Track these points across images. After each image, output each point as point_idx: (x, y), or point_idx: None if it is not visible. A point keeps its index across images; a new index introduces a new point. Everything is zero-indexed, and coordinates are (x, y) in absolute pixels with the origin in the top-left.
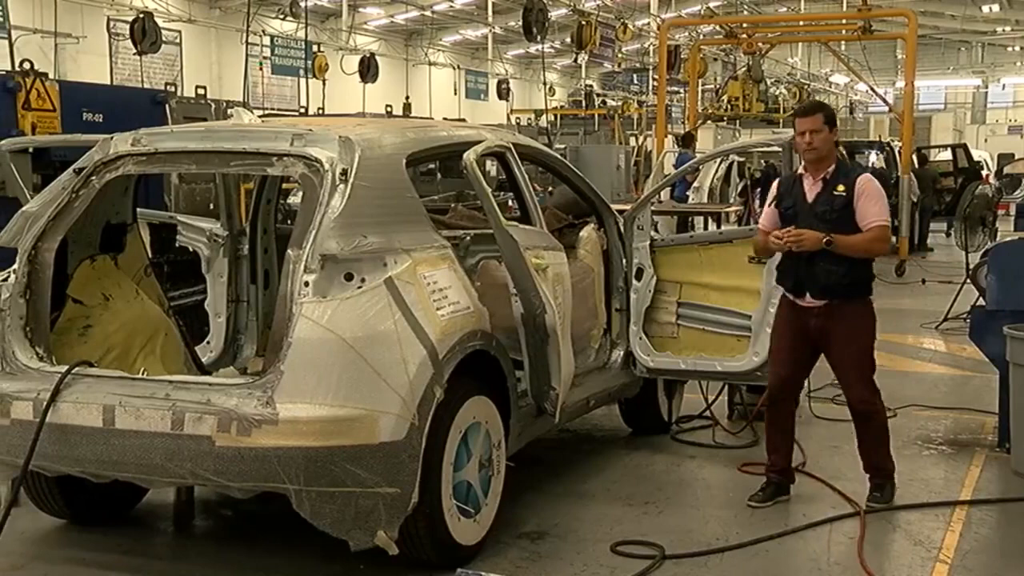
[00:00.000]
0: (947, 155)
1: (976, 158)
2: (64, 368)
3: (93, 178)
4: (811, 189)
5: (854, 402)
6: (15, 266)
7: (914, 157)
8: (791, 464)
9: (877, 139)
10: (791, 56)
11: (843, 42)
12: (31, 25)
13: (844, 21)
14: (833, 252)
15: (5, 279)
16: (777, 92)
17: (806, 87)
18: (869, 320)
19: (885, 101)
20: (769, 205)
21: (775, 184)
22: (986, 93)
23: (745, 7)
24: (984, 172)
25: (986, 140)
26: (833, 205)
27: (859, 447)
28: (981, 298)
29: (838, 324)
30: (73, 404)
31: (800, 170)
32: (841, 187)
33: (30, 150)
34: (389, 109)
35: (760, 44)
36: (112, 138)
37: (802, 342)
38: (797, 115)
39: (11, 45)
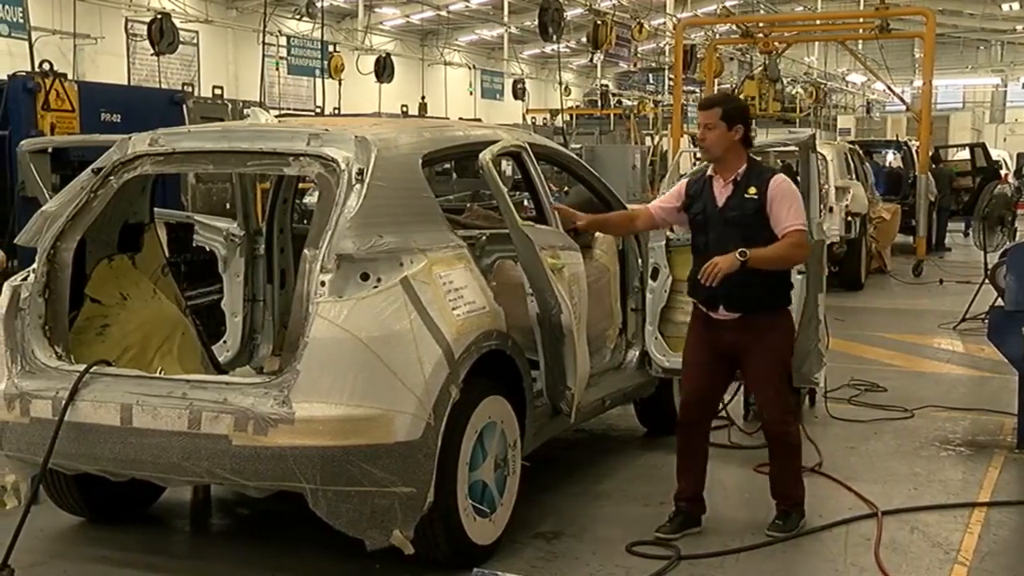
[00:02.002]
0: (965, 154)
1: (995, 157)
2: (82, 367)
3: (111, 178)
4: (721, 192)
5: (769, 423)
6: (35, 265)
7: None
8: (703, 491)
9: (894, 138)
10: (808, 55)
11: (860, 41)
12: (51, 26)
13: (861, 20)
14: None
15: (25, 278)
16: (794, 91)
17: (823, 86)
18: (787, 333)
19: (903, 100)
20: (678, 210)
21: (682, 185)
22: (1005, 92)
23: (761, 6)
24: (1003, 171)
25: (1005, 139)
26: (744, 210)
27: (770, 470)
28: (1000, 298)
29: (754, 337)
30: (91, 403)
31: (710, 171)
32: (752, 189)
33: (49, 150)
34: (405, 109)
35: (777, 43)
36: (130, 138)
37: (718, 358)
38: (698, 107)
39: (31, 46)
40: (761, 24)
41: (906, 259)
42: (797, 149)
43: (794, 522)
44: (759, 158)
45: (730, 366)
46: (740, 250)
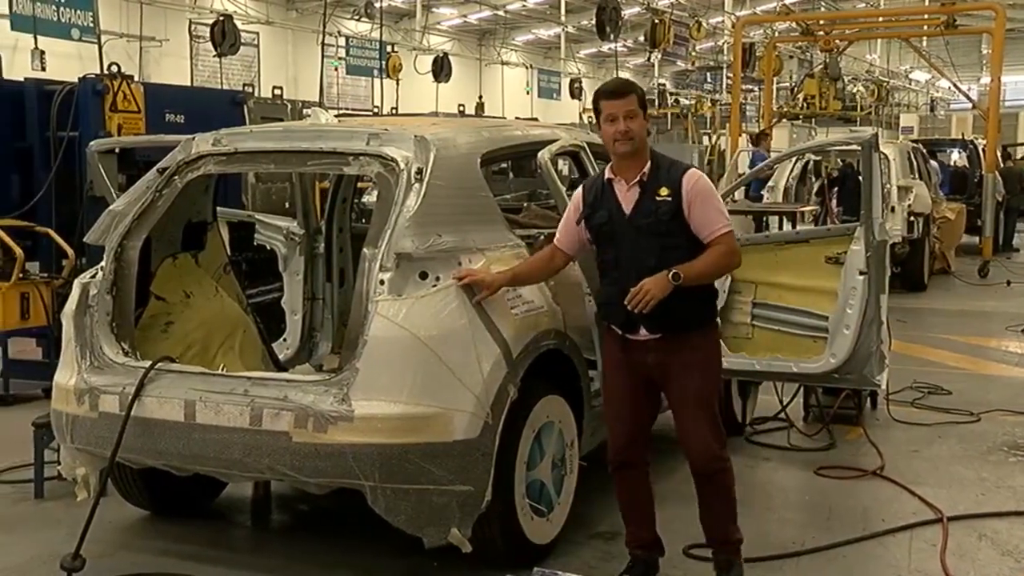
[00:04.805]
0: None
1: None
2: (148, 363)
3: (176, 178)
4: (626, 196)
5: (698, 457)
6: (103, 263)
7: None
8: (657, 533)
9: (960, 137)
10: (870, 53)
11: (924, 38)
12: (118, 30)
13: (926, 16)
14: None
15: (93, 276)
16: (855, 90)
17: (885, 84)
18: (716, 350)
19: (968, 98)
20: (577, 222)
21: (578, 195)
22: None
23: (822, 3)
24: None
25: None
26: (659, 214)
27: (701, 515)
28: None
29: (679, 359)
30: (156, 399)
31: (608, 174)
32: (665, 190)
33: (117, 151)
34: (462, 108)
35: (838, 41)
36: (194, 138)
37: (642, 385)
38: (603, 96)
39: (100, 49)
40: (822, 21)
41: (972, 260)
42: (859, 148)
43: (737, 572)
44: (819, 158)
45: (655, 393)
46: (673, 272)
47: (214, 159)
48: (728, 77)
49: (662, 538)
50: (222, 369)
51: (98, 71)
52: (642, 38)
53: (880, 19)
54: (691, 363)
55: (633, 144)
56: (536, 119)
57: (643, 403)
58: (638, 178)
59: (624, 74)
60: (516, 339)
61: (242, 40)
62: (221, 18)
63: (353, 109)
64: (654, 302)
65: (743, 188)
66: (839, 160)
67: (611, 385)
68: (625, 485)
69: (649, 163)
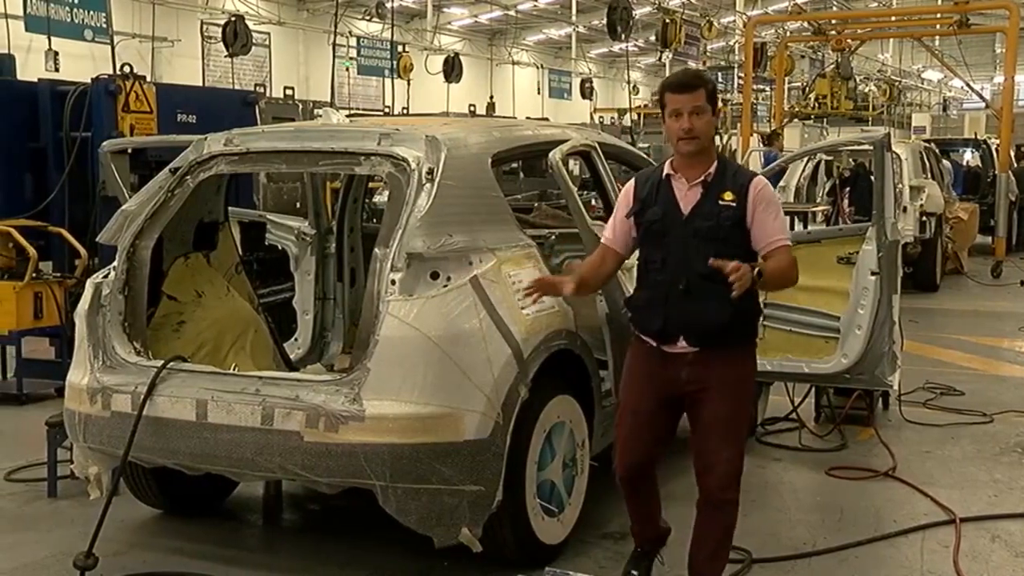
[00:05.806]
0: None
1: None
2: (160, 363)
3: (188, 177)
4: (686, 197)
5: (714, 488)
6: (115, 263)
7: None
8: (661, 526)
9: (972, 136)
10: (882, 52)
11: (937, 37)
12: (130, 30)
13: (939, 15)
14: (721, 283)
15: (106, 276)
16: (867, 89)
17: (897, 84)
18: (753, 371)
19: (982, 97)
20: (627, 216)
21: (630, 188)
22: None
23: (834, 3)
24: None
25: None
26: (720, 219)
27: (692, 548)
28: None
29: (714, 377)
30: (168, 398)
31: (667, 169)
32: (729, 195)
33: (129, 151)
34: (472, 108)
35: (850, 40)
36: (206, 138)
37: (669, 403)
38: (670, 89)
39: (113, 50)
40: (834, 21)
41: (984, 260)
42: (871, 148)
43: None
44: (830, 158)
45: (677, 413)
46: (757, 268)
47: (226, 159)
48: (739, 77)
49: (671, 525)
50: (234, 369)
51: (111, 71)
52: (653, 38)
53: (892, 18)
54: (727, 382)
55: (698, 144)
56: (547, 119)
57: (665, 423)
58: (702, 178)
59: (635, 74)
60: (527, 339)
61: (254, 40)
62: (233, 19)
63: (364, 109)
64: (742, 290)
65: None
66: (851, 160)
67: (632, 400)
68: (634, 493)
69: (716, 164)
